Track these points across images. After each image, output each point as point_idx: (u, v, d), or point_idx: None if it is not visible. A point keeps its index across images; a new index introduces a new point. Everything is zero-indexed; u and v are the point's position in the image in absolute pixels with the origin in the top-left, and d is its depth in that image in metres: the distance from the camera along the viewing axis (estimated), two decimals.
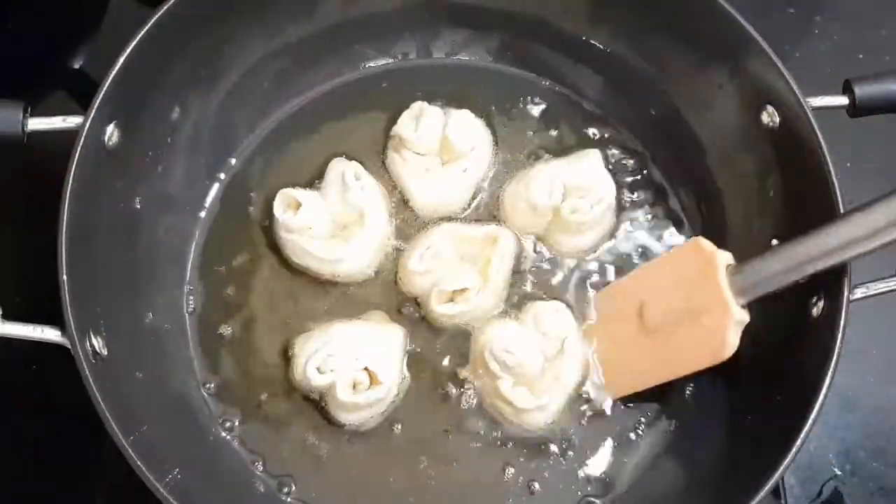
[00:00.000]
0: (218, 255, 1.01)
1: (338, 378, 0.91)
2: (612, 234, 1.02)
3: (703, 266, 0.86)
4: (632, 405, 0.96)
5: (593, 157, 1.01)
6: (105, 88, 0.85)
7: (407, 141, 1.01)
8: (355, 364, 0.91)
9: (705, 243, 0.88)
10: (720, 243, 0.99)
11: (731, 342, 0.85)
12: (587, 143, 1.06)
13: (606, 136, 1.07)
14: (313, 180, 1.02)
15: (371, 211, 0.98)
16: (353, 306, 0.99)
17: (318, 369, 0.91)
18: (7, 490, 0.98)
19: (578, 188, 0.98)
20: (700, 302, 0.86)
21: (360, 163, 1.01)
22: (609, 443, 0.95)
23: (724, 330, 0.84)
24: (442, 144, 1.01)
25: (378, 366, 0.92)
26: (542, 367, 0.93)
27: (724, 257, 0.86)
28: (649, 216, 1.04)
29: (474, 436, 0.95)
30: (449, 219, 1.02)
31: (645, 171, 1.06)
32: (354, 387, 0.91)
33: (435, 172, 1.02)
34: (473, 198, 1.03)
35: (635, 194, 1.04)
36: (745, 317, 0.84)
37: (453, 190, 1.02)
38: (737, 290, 0.84)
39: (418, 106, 1.03)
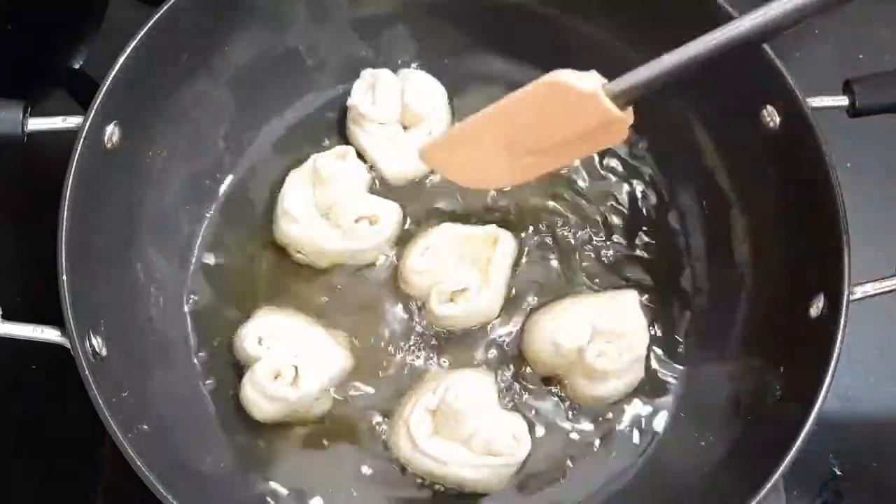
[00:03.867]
0: (219, 253, 1.01)
1: (267, 356, 0.90)
2: (636, 388, 0.95)
3: (585, 104, 0.79)
4: (626, 403, 0.96)
5: (630, 298, 0.95)
6: (105, 88, 0.85)
7: (366, 114, 1.01)
8: (290, 355, 0.91)
9: (574, 82, 0.79)
10: (722, 242, 1.00)
11: (626, 133, 0.80)
12: None
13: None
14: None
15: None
16: (348, 306, 0.99)
17: (259, 339, 0.92)
18: (7, 490, 0.98)
19: (609, 332, 0.92)
20: (593, 125, 0.80)
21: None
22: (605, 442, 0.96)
23: (620, 133, 0.79)
24: (402, 111, 1.01)
25: (307, 371, 0.91)
26: (457, 437, 0.90)
27: (598, 85, 0.79)
28: (649, 214, 1.04)
29: None
30: (449, 218, 1.01)
31: (644, 170, 1.06)
32: (276, 377, 0.91)
33: (399, 140, 1.02)
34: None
35: (635, 194, 1.04)
36: (631, 115, 0.79)
37: None
38: (621, 105, 0.78)
39: (370, 74, 1.03)
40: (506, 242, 0.98)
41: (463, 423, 0.89)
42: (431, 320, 0.97)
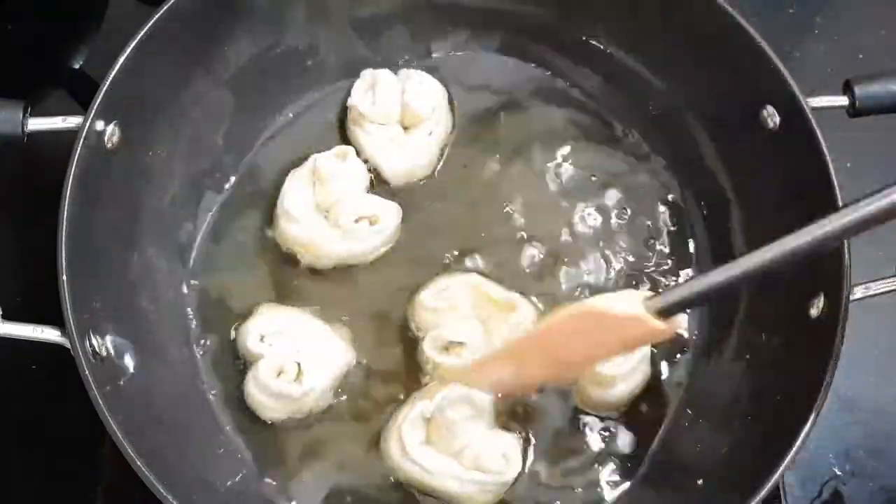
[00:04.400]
0: (219, 253, 1.01)
1: (270, 354, 0.91)
2: (644, 388, 0.95)
3: (628, 324, 0.77)
4: (627, 406, 0.96)
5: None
6: (105, 88, 0.85)
7: (366, 114, 1.01)
8: (293, 352, 0.91)
9: (612, 309, 0.78)
10: (722, 242, 1.00)
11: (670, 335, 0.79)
12: (586, 140, 1.06)
13: (604, 134, 1.07)
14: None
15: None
16: (349, 306, 0.99)
17: (261, 336, 0.92)
18: (7, 490, 0.98)
19: None
20: (634, 338, 0.80)
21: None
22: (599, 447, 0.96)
23: (664, 338, 0.79)
24: (402, 111, 1.01)
25: (310, 367, 0.91)
26: (446, 449, 0.90)
27: (641, 305, 0.77)
28: (649, 214, 1.04)
29: None
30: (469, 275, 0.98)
31: (645, 171, 1.05)
32: (279, 374, 0.91)
33: (400, 140, 1.02)
34: (441, 157, 1.04)
35: (635, 194, 1.04)
36: (682, 321, 0.80)
37: (422, 155, 1.03)
38: (663, 317, 0.77)
39: (370, 74, 1.03)
40: (522, 314, 0.94)
41: (455, 436, 0.89)
42: (420, 362, 0.96)
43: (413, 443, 0.89)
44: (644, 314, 0.76)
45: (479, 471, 0.88)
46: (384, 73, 1.02)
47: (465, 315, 0.95)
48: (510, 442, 0.91)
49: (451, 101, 1.06)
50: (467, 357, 0.93)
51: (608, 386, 0.92)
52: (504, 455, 0.89)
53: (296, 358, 0.91)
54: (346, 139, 1.05)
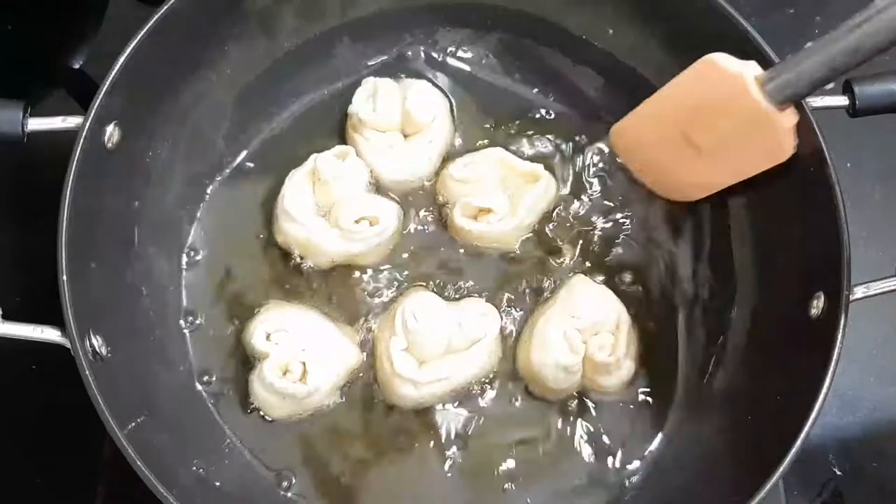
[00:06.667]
0: (219, 253, 1.01)
1: (275, 353, 0.91)
2: (635, 389, 0.97)
3: (732, 88, 0.80)
4: (624, 404, 0.97)
5: (583, 282, 0.98)
6: (105, 88, 0.85)
7: (367, 122, 1.01)
8: (299, 351, 0.91)
9: (723, 62, 0.80)
10: (723, 241, 1.00)
11: (787, 146, 0.81)
12: (587, 141, 1.06)
13: (604, 134, 1.07)
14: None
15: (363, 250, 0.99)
16: (349, 307, 0.99)
17: (267, 335, 0.92)
18: (7, 490, 0.98)
19: (591, 326, 0.94)
20: (744, 120, 0.81)
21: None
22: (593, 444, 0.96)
23: (776, 139, 0.80)
24: (403, 118, 1.02)
25: (315, 367, 0.91)
26: (439, 352, 0.93)
27: (750, 71, 0.79)
28: (649, 215, 1.04)
29: None
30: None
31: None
32: (284, 373, 0.91)
33: (399, 148, 1.02)
34: (441, 164, 1.04)
35: (634, 194, 1.04)
36: (792, 118, 0.79)
37: (421, 162, 1.03)
38: (775, 100, 0.78)
39: (371, 82, 1.03)
40: (546, 183, 1.00)
41: (436, 337, 0.92)
42: (452, 233, 1.00)
43: (412, 371, 0.92)
44: (747, 77, 0.77)
45: (475, 342, 0.93)
46: (385, 82, 1.03)
47: (490, 185, 0.99)
48: (475, 303, 0.96)
49: (451, 109, 1.06)
50: (494, 223, 0.98)
51: (615, 369, 0.94)
52: (481, 314, 0.94)
53: (301, 357, 0.91)
54: (345, 140, 1.05)
